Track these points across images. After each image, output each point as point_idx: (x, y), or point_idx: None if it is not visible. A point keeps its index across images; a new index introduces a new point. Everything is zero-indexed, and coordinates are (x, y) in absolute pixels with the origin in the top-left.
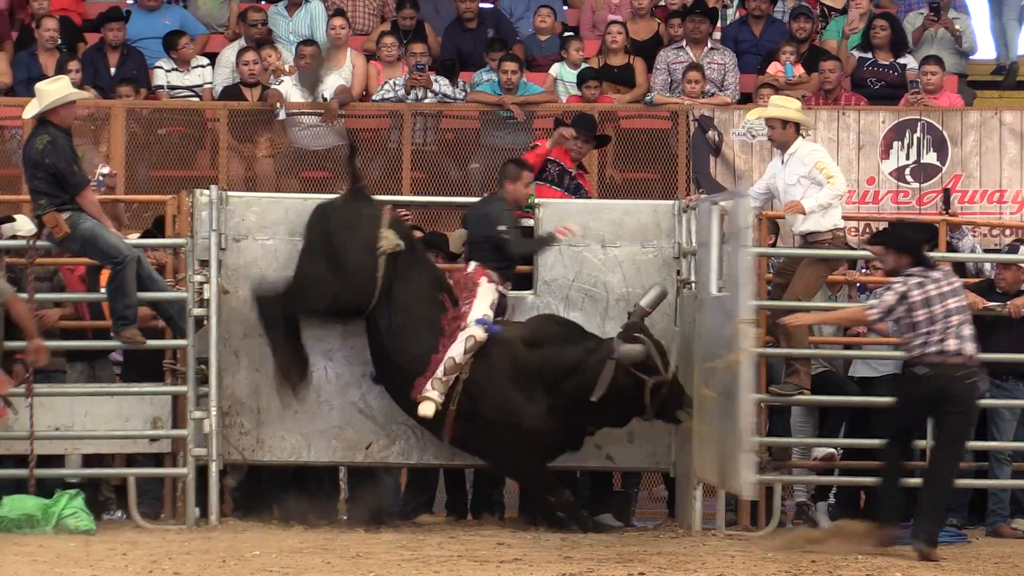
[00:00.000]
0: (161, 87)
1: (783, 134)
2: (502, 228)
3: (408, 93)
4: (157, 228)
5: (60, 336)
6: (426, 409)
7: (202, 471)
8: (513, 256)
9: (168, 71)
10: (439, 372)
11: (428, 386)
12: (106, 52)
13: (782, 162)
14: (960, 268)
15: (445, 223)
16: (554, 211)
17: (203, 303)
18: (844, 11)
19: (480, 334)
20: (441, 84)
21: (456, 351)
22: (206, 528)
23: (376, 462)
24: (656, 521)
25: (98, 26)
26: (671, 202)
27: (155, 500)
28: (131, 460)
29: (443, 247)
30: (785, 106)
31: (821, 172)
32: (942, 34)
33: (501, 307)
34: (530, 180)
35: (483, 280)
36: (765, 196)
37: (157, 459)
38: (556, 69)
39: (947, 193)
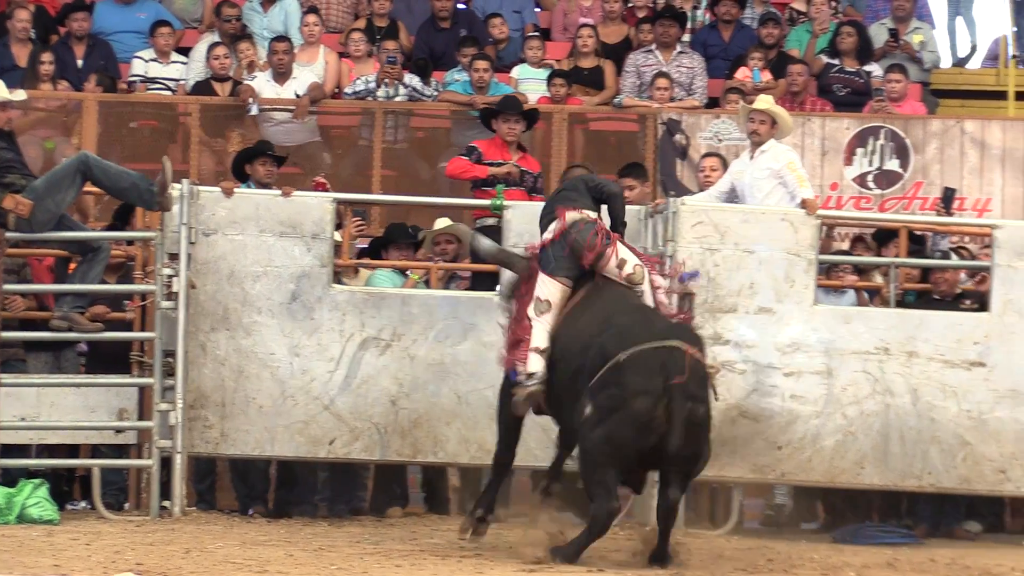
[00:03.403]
0: (137, 78)
1: (770, 132)
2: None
3: (379, 86)
4: (121, 219)
5: (20, 327)
6: None
7: (166, 463)
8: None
9: (148, 61)
10: None
11: None
12: (72, 44)
13: (750, 157)
14: (926, 271)
15: (414, 222)
16: (522, 213)
17: (171, 296)
18: (811, 18)
19: None
20: (412, 79)
21: None
22: (169, 520)
23: (339, 458)
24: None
25: (63, 17)
26: (638, 206)
27: (119, 491)
28: (95, 451)
29: (411, 238)
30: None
31: (793, 173)
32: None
33: None
34: None
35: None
36: (727, 195)
37: (121, 450)
38: (517, 71)
39: (950, 193)
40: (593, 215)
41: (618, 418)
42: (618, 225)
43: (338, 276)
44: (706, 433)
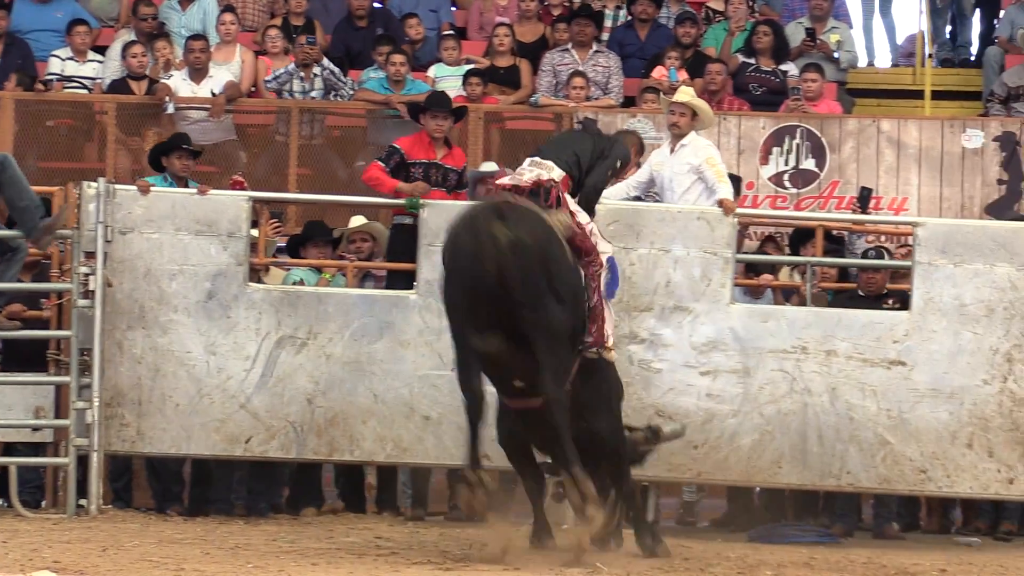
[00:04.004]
0: (54, 76)
1: (690, 124)
2: (618, 164)
3: (299, 68)
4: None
5: None
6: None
7: (83, 461)
8: (591, 183)
9: (65, 59)
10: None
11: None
12: None
13: (671, 150)
14: (844, 272)
15: (330, 221)
16: (439, 212)
17: (88, 295)
18: (727, 16)
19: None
20: (329, 63)
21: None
22: (86, 518)
23: (256, 456)
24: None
25: None
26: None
27: (36, 489)
28: (11, 448)
29: (329, 236)
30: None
31: (712, 169)
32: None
33: None
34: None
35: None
36: (645, 185)
37: (38, 448)
38: (434, 70)
39: (866, 192)
40: (558, 175)
41: (446, 265)
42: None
43: (258, 275)
44: (529, 270)
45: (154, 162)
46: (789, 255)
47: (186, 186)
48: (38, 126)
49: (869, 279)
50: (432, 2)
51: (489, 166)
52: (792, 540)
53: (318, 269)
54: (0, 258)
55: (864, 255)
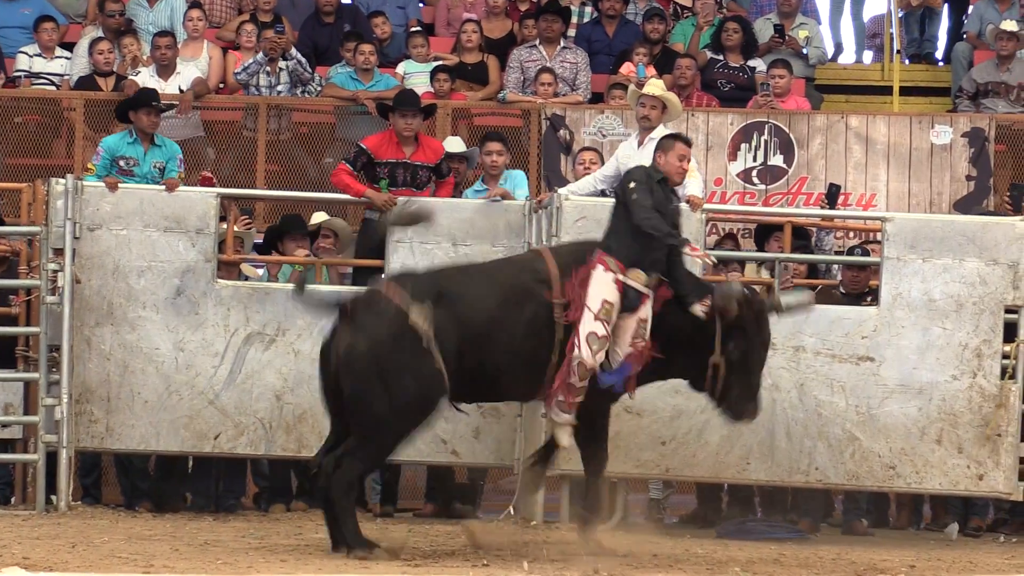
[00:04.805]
0: (21, 73)
1: (660, 117)
2: (632, 186)
3: (268, 58)
4: None
5: None
6: (564, 439)
7: (52, 457)
8: (636, 222)
9: (32, 56)
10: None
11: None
12: None
13: (639, 144)
14: (813, 269)
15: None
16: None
17: (56, 291)
18: (695, 12)
19: (601, 330)
20: (297, 53)
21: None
22: (55, 514)
23: (224, 453)
24: (500, 514)
25: None
26: (522, 201)
27: (5, 485)
28: None
29: (303, 229)
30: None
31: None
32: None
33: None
34: (684, 153)
35: (598, 269)
36: (613, 179)
37: (7, 445)
38: (402, 67)
39: (835, 189)
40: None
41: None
42: None
43: (237, 269)
44: (359, 374)
45: (122, 116)
46: (754, 251)
47: (152, 141)
48: (6, 122)
49: (854, 278)
50: None
51: (456, 144)
52: (761, 536)
53: (290, 266)
54: None
55: (850, 252)
